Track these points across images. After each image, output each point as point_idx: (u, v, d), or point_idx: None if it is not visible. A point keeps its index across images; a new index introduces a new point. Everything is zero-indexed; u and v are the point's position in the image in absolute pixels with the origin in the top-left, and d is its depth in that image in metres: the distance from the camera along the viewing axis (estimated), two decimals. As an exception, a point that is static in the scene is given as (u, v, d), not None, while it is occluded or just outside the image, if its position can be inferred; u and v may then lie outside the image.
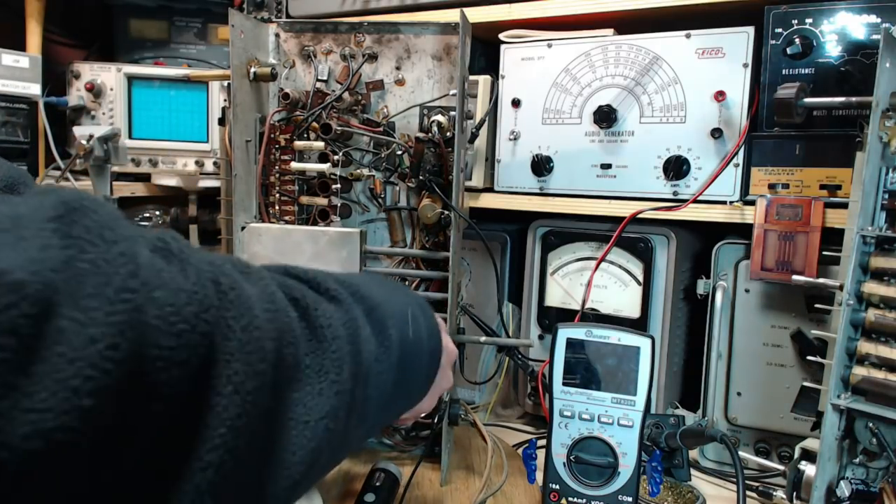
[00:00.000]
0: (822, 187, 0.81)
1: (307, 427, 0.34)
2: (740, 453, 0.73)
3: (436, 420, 0.82)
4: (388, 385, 0.43)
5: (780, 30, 0.81)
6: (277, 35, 0.89)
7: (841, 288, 0.66)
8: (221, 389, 0.27)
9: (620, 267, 0.94)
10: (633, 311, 0.94)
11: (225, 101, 1.22)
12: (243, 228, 0.85)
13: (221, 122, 0.97)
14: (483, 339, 0.86)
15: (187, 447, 0.26)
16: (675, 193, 0.89)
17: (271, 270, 0.38)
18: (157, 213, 1.31)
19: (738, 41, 0.84)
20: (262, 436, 0.30)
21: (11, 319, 0.20)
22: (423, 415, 0.63)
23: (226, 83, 1.08)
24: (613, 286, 0.95)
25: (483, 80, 1.00)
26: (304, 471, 0.34)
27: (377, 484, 0.75)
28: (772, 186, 0.83)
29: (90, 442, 0.22)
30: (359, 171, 0.86)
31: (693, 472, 0.83)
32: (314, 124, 0.85)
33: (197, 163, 1.27)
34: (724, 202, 0.86)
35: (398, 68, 0.87)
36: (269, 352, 0.31)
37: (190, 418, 0.26)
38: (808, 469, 0.69)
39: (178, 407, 0.26)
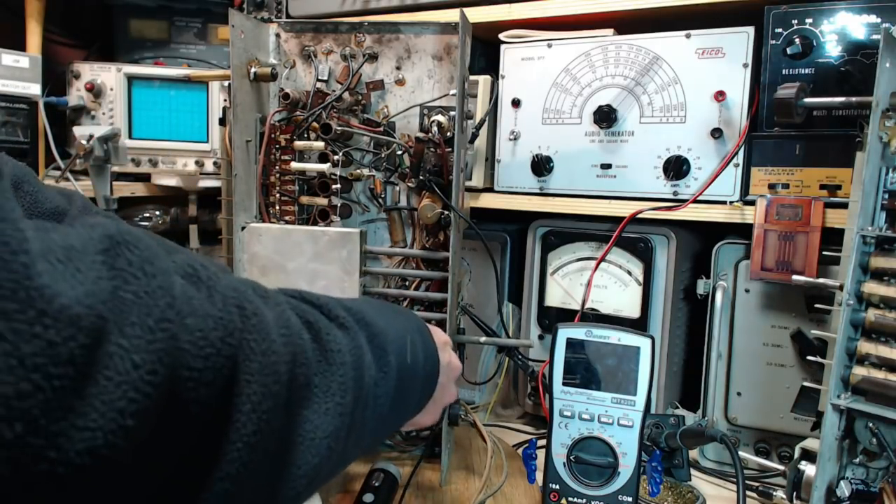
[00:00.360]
0: (822, 187, 0.81)
1: (312, 444, 0.36)
2: (740, 453, 0.73)
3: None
4: (385, 408, 0.46)
5: (780, 30, 0.81)
6: (278, 35, 0.89)
7: (841, 288, 0.66)
8: (241, 407, 0.29)
9: (620, 267, 0.94)
10: (633, 311, 0.94)
11: (225, 101, 1.22)
12: (243, 228, 0.85)
13: (222, 122, 0.97)
14: (483, 339, 0.86)
15: (210, 460, 0.29)
16: (675, 193, 0.89)
17: (287, 294, 0.41)
18: (157, 213, 1.31)
19: (738, 41, 0.84)
20: (273, 451, 0.33)
21: (70, 350, 0.22)
22: (425, 426, 0.65)
23: (226, 83, 1.08)
24: (613, 286, 0.95)
25: (483, 80, 1.00)
26: (305, 484, 0.36)
27: (376, 484, 0.75)
28: (772, 186, 0.83)
29: (130, 458, 0.24)
30: (359, 171, 0.86)
31: (693, 472, 0.83)
32: (314, 124, 0.85)
33: (197, 163, 1.27)
34: (724, 202, 0.86)
35: (398, 68, 0.87)
36: (283, 374, 0.33)
37: (213, 433, 0.29)
38: (808, 469, 0.69)
39: (204, 423, 0.28)
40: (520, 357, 0.92)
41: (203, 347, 0.27)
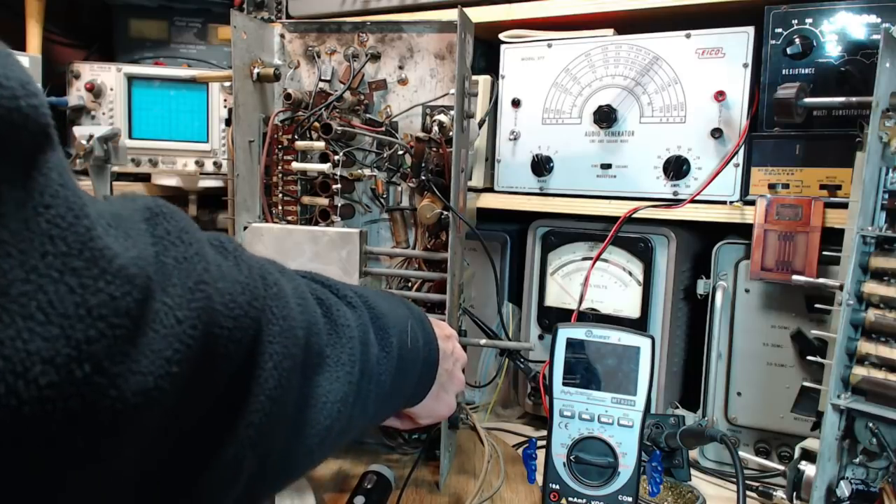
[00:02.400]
0: (822, 187, 0.81)
1: (325, 407, 0.40)
2: (740, 453, 0.73)
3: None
4: (387, 385, 0.49)
5: (780, 30, 0.82)
6: (282, 36, 0.89)
7: (841, 288, 0.66)
8: (264, 365, 0.33)
9: (621, 267, 0.95)
10: (633, 311, 0.94)
11: (225, 101, 1.22)
12: (245, 228, 0.86)
13: (229, 122, 0.97)
14: (483, 341, 0.86)
15: (236, 408, 0.32)
16: (675, 193, 0.89)
17: (299, 274, 0.45)
18: (158, 212, 1.30)
19: (738, 41, 0.84)
20: (291, 407, 0.37)
21: (127, 304, 0.25)
22: (445, 418, 0.67)
23: (228, 84, 1.08)
24: (613, 286, 0.95)
25: (483, 80, 1.00)
26: (318, 443, 0.40)
27: (368, 487, 0.74)
28: (772, 186, 0.84)
29: (173, 400, 0.27)
30: (360, 171, 0.86)
31: (693, 472, 0.83)
32: (315, 124, 0.85)
33: (197, 163, 1.27)
34: (724, 202, 0.86)
35: (401, 67, 0.87)
36: (300, 338, 0.37)
37: (240, 385, 0.32)
38: (808, 469, 0.69)
39: (233, 375, 0.32)
40: (521, 360, 0.92)
41: (232, 309, 0.31)
